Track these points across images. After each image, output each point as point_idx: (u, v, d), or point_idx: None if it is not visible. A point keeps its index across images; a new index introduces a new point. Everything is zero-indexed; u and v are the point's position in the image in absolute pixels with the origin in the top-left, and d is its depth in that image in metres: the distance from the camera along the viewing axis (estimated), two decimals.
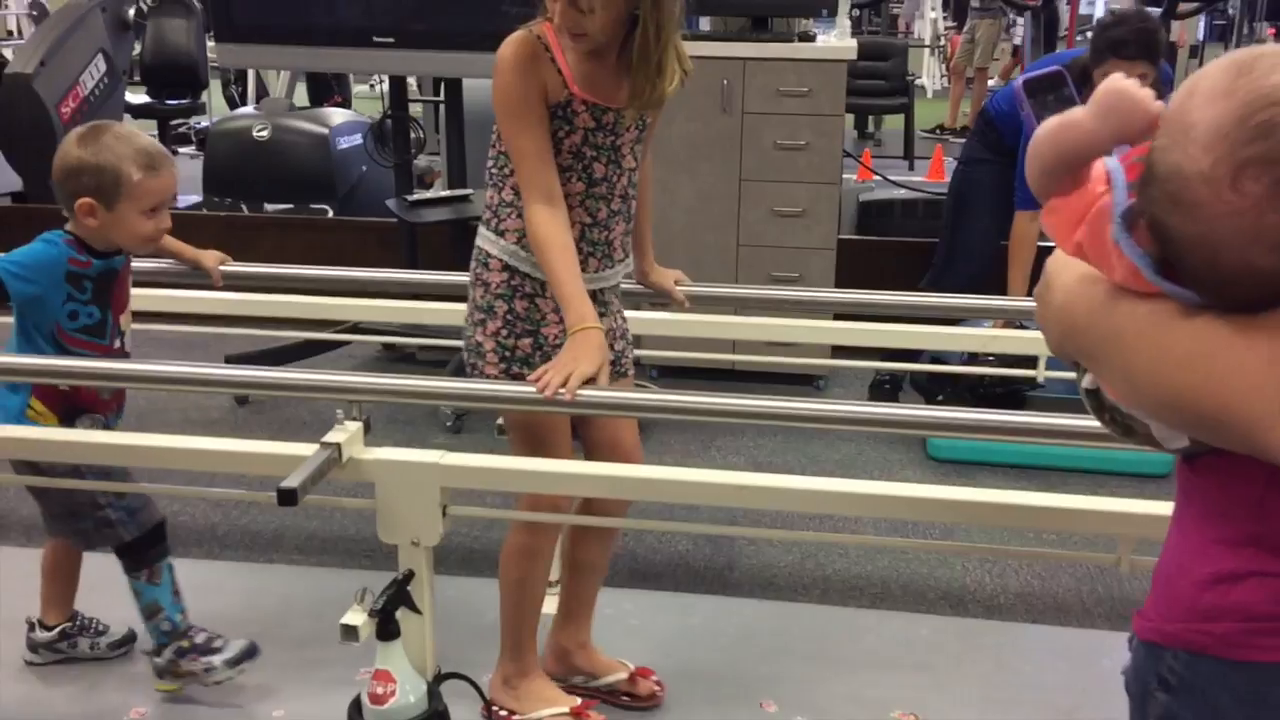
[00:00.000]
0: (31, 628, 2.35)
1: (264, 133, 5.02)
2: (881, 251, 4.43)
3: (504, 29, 3.55)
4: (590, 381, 1.77)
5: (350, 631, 1.75)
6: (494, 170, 1.98)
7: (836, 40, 4.06)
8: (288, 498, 1.63)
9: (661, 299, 2.30)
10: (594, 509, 2.12)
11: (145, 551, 2.17)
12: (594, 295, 1.97)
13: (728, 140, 3.93)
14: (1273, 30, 12.74)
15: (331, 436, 1.77)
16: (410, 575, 1.77)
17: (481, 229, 2.01)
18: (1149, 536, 1.74)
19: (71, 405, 2.11)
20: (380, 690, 1.74)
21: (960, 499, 1.77)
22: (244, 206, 5.08)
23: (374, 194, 4.79)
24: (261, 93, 6.18)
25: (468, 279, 2.03)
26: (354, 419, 1.82)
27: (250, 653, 2.25)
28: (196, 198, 5.53)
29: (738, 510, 3.00)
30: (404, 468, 1.79)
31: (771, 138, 3.89)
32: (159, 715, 2.23)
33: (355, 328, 3.61)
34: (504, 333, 1.96)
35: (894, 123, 9.36)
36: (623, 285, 2.21)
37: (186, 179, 6.67)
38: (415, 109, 5.00)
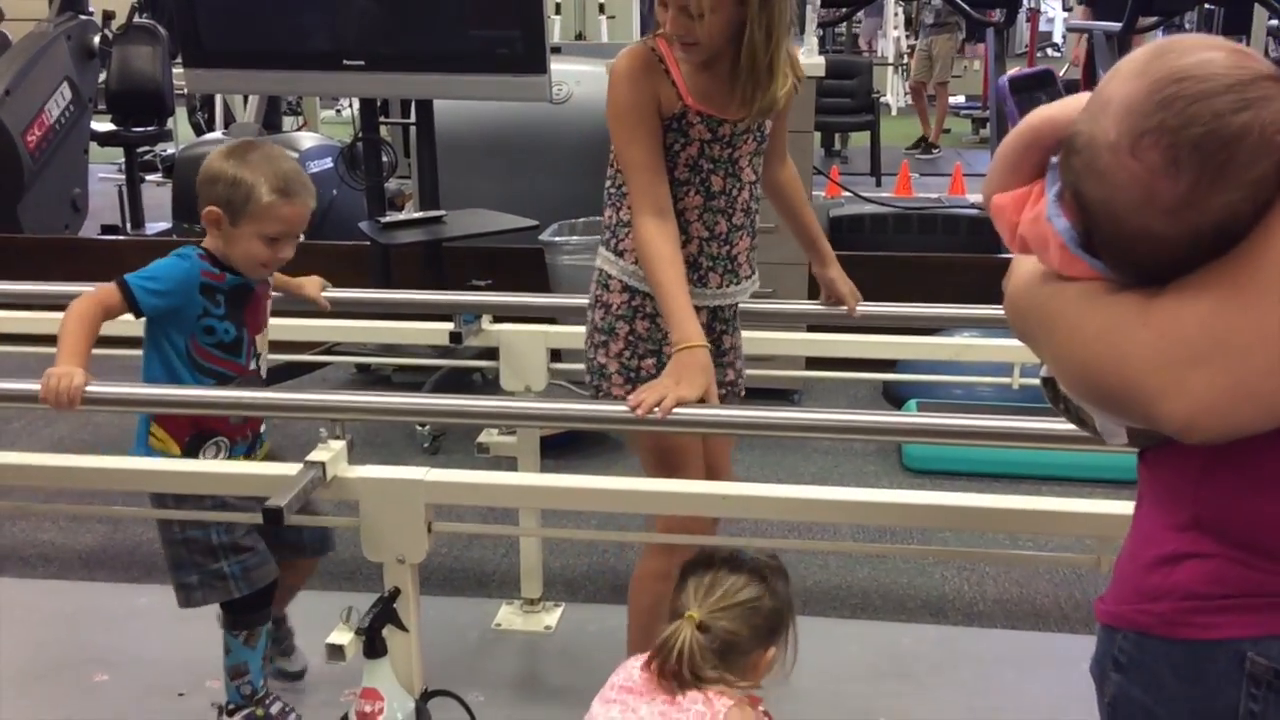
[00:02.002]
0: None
1: None
2: (853, 266, 4.43)
3: (474, 51, 3.58)
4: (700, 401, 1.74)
5: (337, 651, 1.74)
6: (612, 189, 1.96)
7: (805, 58, 4.09)
8: (274, 517, 1.63)
9: (836, 308, 2.28)
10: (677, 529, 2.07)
11: (250, 613, 2.10)
12: (717, 312, 1.97)
13: None
14: None
15: (316, 455, 1.77)
16: (396, 593, 1.77)
17: (601, 249, 1.99)
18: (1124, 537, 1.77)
19: (198, 431, 2.04)
20: (368, 708, 1.74)
21: (935, 503, 1.79)
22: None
23: (345, 218, 4.77)
24: (228, 119, 6.16)
25: (586, 300, 2.02)
26: (338, 438, 1.82)
27: None
28: (165, 224, 5.50)
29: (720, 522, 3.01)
30: (389, 485, 1.79)
31: None
32: None
33: (331, 350, 3.60)
34: (626, 354, 1.95)
35: (860, 140, 9.46)
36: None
37: (154, 206, 6.66)
38: (384, 132, 5.00)
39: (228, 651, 2.13)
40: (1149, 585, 1.02)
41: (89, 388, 1.84)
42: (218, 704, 2.20)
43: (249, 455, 2.11)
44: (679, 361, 1.76)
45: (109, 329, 1.99)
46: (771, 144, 2.02)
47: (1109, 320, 0.95)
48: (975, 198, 6.15)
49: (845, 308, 2.26)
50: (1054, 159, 1.03)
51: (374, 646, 1.74)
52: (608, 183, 1.97)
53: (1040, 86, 1.10)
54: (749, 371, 3.68)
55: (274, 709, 2.17)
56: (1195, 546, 0.99)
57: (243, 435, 2.10)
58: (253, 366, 2.09)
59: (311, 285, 2.37)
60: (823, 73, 3.94)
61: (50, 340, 2.69)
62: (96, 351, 1.95)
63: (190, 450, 2.04)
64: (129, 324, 2.01)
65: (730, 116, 1.87)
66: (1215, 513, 0.98)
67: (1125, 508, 1.69)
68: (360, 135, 3.80)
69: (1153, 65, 0.92)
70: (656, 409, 1.72)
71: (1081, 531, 1.71)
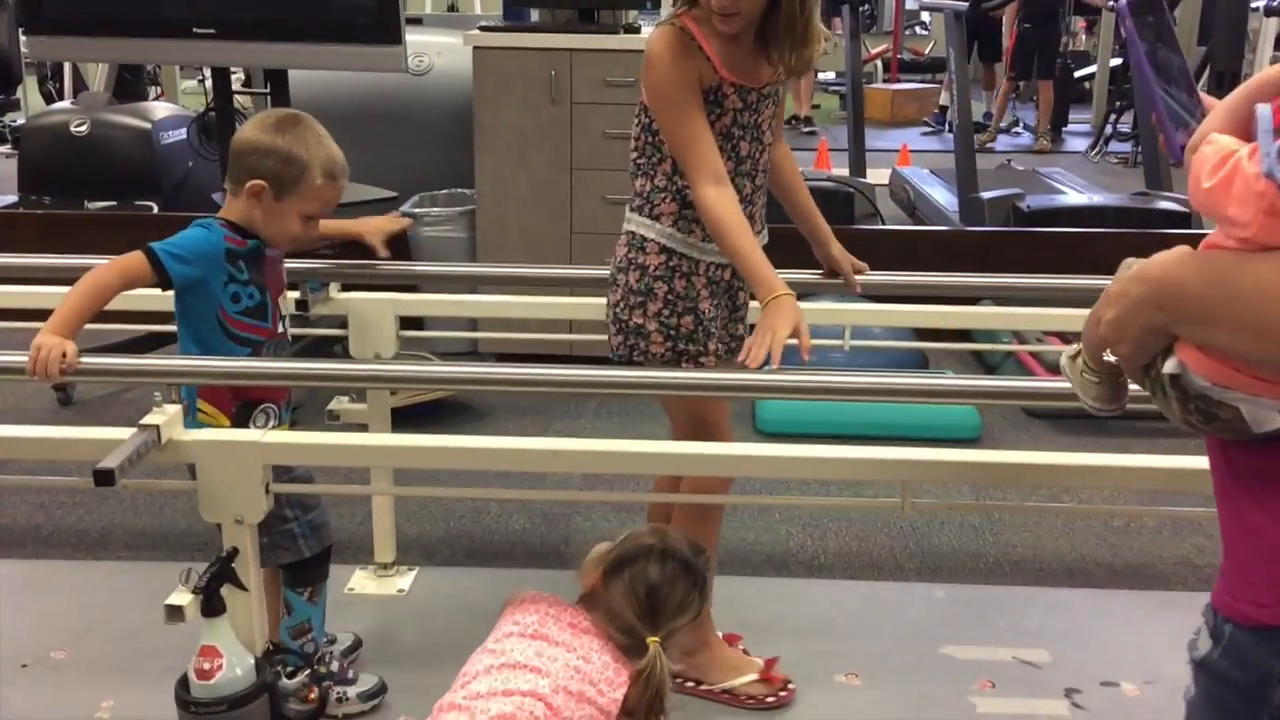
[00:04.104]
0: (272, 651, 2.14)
1: (82, 128, 4.87)
2: None
3: (328, 20, 3.56)
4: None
5: (175, 611, 1.75)
6: (641, 160, 2.04)
7: None
8: (104, 478, 1.63)
9: (835, 281, 2.30)
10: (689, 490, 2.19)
11: (315, 569, 2.12)
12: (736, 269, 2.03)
13: (558, 130, 4.01)
14: (1084, 24, 13.51)
15: (150, 419, 1.78)
16: (235, 552, 1.79)
17: (634, 215, 2.06)
18: (927, 480, 1.90)
19: (244, 400, 2.02)
20: (206, 666, 1.76)
21: (751, 455, 1.91)
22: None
23: (203, 189, 4.70)
24: (80, 88, 5.97)
25: (610, 268, 2.09)
26: (173, 402, 1.83)
27: (382, 689, 2.22)
28: (12, 197, 5.32)
29: (576, 484, 3.09)
30: (225, 447, 1.81)
31: (600, 127, 3.98)
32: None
33: None
34: (665, 312, 2.03)
35: None
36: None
37: (1, 179, 6.42)
38: (246, 102, 4.92)
39: (290, 611, 2.13)
40: None
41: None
42: (276, 670, 2.16)
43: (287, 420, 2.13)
44: (769, 310, 1.85)
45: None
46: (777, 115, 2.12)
47: None
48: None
49: (845, 283, 2.29)
50: (1260, 109, 0.95)
51: (211, 605, 1.76)
52: (634, 154, 2.06)
53: (1151, 10, 1.14)
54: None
55: (334, 665, 2.20)
56: None
57: (285, 399, 2.11)
58: (280, 330, 2.10)
59: (373, 233, 2.39)
60: None
61: None
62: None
63: (240, 419, 2.03)
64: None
65: (757, 84, 1.98)
66: None
67: (925, 454, 1.83)
68: (212, 105, 3.75)
69: None
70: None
71: (886, 476, 1.82)
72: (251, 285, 2.03)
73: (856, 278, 2.28)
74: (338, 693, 2.18)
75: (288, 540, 2.07)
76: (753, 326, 1.90)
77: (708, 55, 1.93)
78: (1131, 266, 1.05)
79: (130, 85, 7.05)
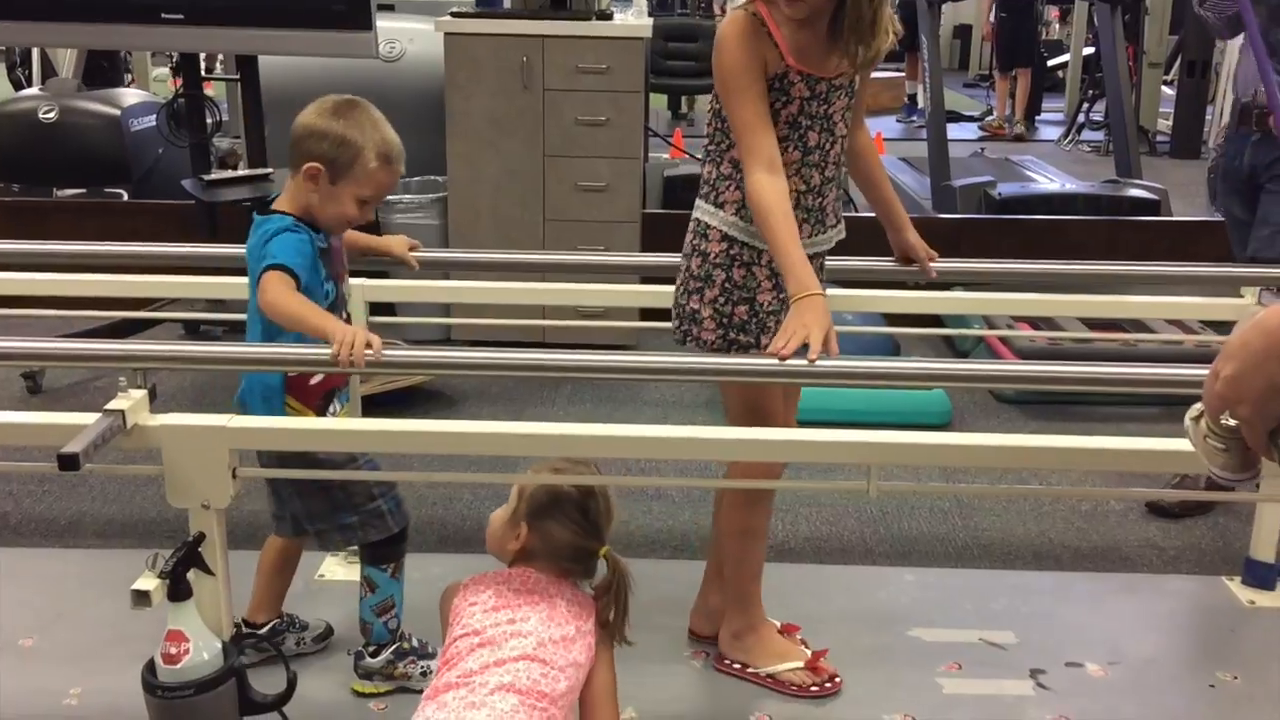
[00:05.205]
0: (239, 631, 2.15)
1: (50, 114, 4.82)
2: (685, 223, 4.56)
3: (297, 6, 3.53)
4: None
5: (142, 597, 1.74)
6: (710, 147, 2.05)
7: (634, 19, 4.18)
8: (69, 463, 1.62)
9: (910, 268, 2.32)
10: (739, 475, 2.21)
11: (400, 544, 2.16)
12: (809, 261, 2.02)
13: (530, 116, 4.01)
14: (1057, 13, 13.56)
15: (115, 404, 1.77)
16: (201, 537, 1.79)
17: (700, 203, 2.08)
18: (894, 463, 1.91)
19: (327, 390, 2.08)
20: (173, 650, 1.75)
21: (720, 438, 1.91)
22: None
23: (174, 176, 4.65)
24: (49, 74, 5.90)
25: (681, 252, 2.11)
26: (138, 387, 1.82)
27: None
28: None
29: None
30: (191, 432, 1.81)
31: (572, 114, 3.99)
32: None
33: (161, 307, 3.55)
34: (721, 300, 2.04)
35: (706, 103, 9.58)
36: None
37: None
38: (220, 88, 4.90)
39: (374, 589, 2.15)
40: None
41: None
42: (355, 650, 2.21)
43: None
44: (800, 308, 1.84)
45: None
46: (853, 107, 2.10)
47: None
48: None
49: (919, 269, 2.32)
50: None
51: (178, 590, 1.75)
52: (706, 141, 2.07)
53: None
54: (595, 324, 3.76)
55: (414, 641, 2.22)
56: None
57: (341, 383, 2.16)
58: (343, 316, 2.11)
59: (399, 244, 2.41)
60: (649, 34, 4.03)
61: None
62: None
63: (321, 410, 2.08)
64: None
65: (827, 74, 1.97)
66: None
67: (888, 436, 1.84)
68: (180, 92, 3.72)
69: None
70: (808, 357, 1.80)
71: (853, 458, 1.83)
72: (331, 279, 2.07)
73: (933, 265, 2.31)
74: (421, 666, 2.19)
75: (376, 519, 2.11)
76: None
77: (776, 42, 1.93)
78: (1256, 315, 0.94)
79: (107, 74, 6.97)
